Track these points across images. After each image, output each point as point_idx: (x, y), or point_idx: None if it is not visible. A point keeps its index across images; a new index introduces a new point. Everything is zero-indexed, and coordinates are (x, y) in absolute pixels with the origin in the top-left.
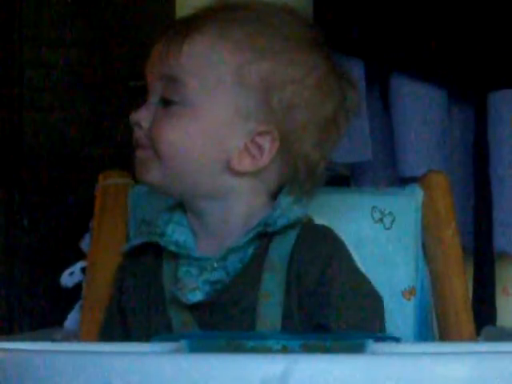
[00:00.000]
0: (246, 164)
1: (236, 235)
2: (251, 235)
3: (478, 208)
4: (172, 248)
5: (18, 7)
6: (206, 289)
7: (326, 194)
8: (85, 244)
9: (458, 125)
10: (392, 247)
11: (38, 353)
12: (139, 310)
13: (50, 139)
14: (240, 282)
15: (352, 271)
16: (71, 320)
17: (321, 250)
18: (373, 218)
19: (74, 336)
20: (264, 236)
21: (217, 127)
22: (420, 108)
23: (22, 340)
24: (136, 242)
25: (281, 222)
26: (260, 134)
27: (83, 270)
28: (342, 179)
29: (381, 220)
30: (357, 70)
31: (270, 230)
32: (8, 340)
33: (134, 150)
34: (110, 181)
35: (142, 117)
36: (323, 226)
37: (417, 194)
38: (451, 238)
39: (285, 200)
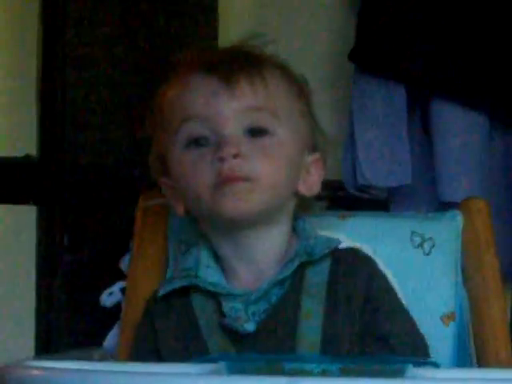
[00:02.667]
0: (305, 189)
1: (273, 266)
2: (293, 267)
3: None
4: (210, 288)
5: (61, 27)
6: (256, 319)
7: (365, 218)
8: (124, 264)
9: (499, 150)
10: (431, 272)
11: (74, 372)
12: (175, 350)
13: (91, 158)
14: (282, 307)
15: (389, 286)
16: (110, 340)
17: (361, 272)
18: (412, 243)
19: (112, 356)
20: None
21: (296, 155)
22: (461, 132)
23: (60, 359)
24: (173, 285)
25: (321, 251)
26: (312, 161)
27: (122, 290)
28: (381, 204)
29: (420, 245)
30: (398, 94)
31: (311, 259)
32: (46, 359)
33: (225, 182)
34: (151, 201)
35: (238, 147)
36: (352, 249)
37: (457, 219)
38: (490, 264)
39: (307, 226)
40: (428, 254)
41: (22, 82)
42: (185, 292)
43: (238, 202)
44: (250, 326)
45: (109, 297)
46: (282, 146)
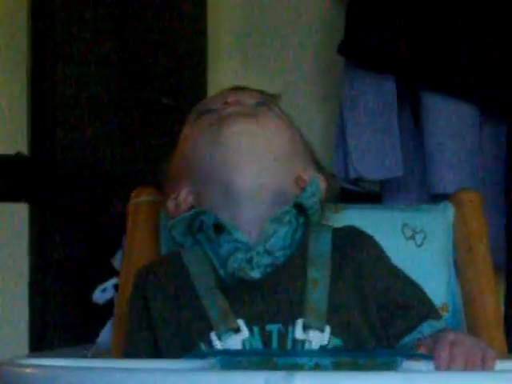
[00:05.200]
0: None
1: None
2: (287, 207)
3: (509, 225)
4: (225, 223)
5: (51, 25)
6: (261, 270)
7: (357, 210)
8: (117, 261)
9: (490, 141)
10: (424, 264)
11: (68, 369)
12: (169, 307)
13: (82, 156)
14: (287, 270)
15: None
16: (103, 337)
17: (364, 241)
18: (404, 235)
19: (106, 352)
20: (299, 229)
21: (294, 142)
22: (451, 124)
23: (54, 356)
24: (186, 215)
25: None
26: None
27: (115, 286)
28: (373, 196)
29: (412, 237)
30: (388, 86)
31: (305, 201)
32: (40, 356)
33: (231, 104)
34: (142, 198)
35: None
36: (352, 225)
37: (448, 211)
38: (483, 255)
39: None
40: (420, 246)
41: (12, 79)
42: (178, 257)
43: (243, 119)
44: (255, 273)
45: (102, 293)
46: (281, 119)
